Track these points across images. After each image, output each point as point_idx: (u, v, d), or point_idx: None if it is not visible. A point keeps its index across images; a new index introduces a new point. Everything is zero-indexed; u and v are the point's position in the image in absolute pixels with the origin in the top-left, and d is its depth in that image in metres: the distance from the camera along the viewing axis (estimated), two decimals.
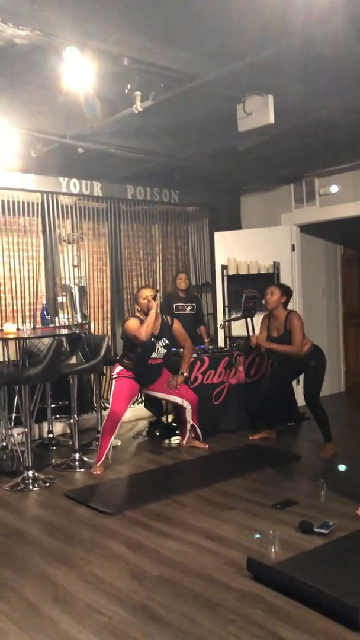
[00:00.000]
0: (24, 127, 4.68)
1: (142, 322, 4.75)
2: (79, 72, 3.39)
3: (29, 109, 4.40)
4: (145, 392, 5.22)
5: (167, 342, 4.97)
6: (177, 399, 5.18)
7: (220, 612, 2.56)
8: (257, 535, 2.96)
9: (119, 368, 4.93)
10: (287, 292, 5.15)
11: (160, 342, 4.91)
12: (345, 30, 3.15)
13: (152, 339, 4.82)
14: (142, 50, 3.38)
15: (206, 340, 6.49)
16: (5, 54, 3.38)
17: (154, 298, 4.80)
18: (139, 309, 4.90)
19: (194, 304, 6.53)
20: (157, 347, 4.89)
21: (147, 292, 4.82)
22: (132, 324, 4.78)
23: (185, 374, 5.22)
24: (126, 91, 3.82)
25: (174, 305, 6.35)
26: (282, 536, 3.25)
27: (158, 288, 7.01)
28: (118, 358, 5.17)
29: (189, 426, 5.29)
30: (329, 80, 3.93)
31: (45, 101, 4.20)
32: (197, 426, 5.32)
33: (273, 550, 3.11)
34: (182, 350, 5.25)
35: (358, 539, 3.23)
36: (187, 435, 5.33)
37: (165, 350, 4.99)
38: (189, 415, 5.24)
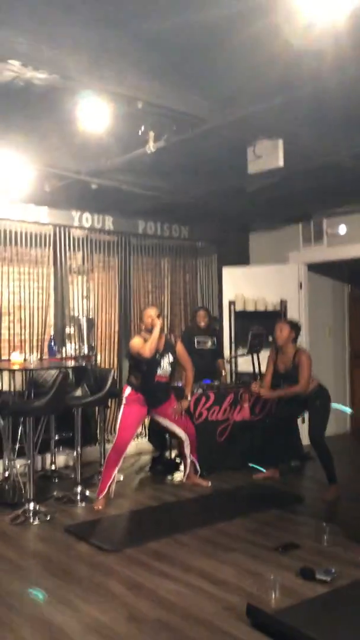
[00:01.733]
0: (39, 163, 4.79)
1: (146, 340, 4.83)
2: (94, 113, 3.50)
3: (45, 146, 4.51)
4: (153, 414, 5.20)
5: (171, 358, 5.02)
6: (179, 430, 5.17)
7: None
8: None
9: (128, 390, 4.97)
10: (295, 327, 5.21)
11: (164, 358, 4.97)
12: (357, 77, 3.23)
13: (157, 356, 4.89)
14: (156, 94, 3.47)
15: (223, 374, 6.45)
16: (24, 93, 3.48)
17: (158, 316, 4.91)
18: (144, 328, 4.97)
19: (215, 338, 6.48)
20: (162, 364, 4.95)
21: (152, 312, 4.95)
22: (136, 341, 4.88)
23: (189, 398, 5.26)
24: (139, 133, 3.92)
25: (195, 339, 6.27)
26: (282, 581, 3.20)
27: (166, 321, 7.05)
28: (127, 380, 5.20)
29: (189, 461, 5.28)
30: (339, 126, 4.02)
31: (60, 138, 4.31)
32: (196, 461, 5.31)
33: (273, 596, 3.06)
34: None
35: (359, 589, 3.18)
36: (188, 471, 5.30)
37: (171, 369, 5.03)
38: (187, 449, 5.25)
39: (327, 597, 3.07)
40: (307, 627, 2.66)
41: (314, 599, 3.05)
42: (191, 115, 3.73)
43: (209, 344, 6.34)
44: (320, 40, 2.68)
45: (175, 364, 5.11)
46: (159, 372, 4.95)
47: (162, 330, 4.97)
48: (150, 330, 4.87)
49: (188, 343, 6.16)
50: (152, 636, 2.72)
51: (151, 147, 4.11)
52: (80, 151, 4.53)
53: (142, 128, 3.89)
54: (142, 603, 3.04)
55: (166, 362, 4.99)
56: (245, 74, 3.18)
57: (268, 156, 4.20)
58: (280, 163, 4.16)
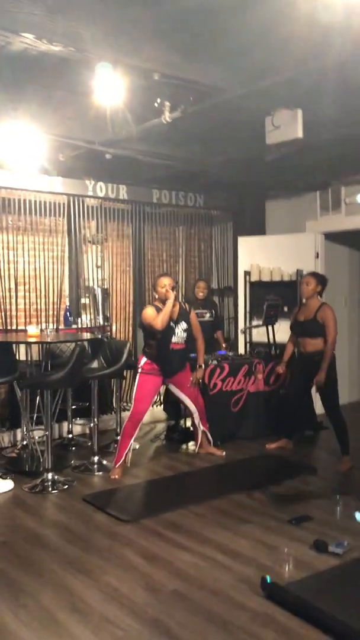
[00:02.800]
0: (54, 133, 4.73)
1: (159, 310, 4.81)
2: (110, 85, 3.43)
3: (59, 116, 4.45)
4: (168, 383, 5.24)
5: (186, 326, 5.02)
6: (189, 402, 5.24)
7: (232, 631, 2.60)
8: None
9: (143, 360, 4.98)
10: (322, 281, 5.18)
11: (179, 325, 4.96)
12: None
13: (171, 323, 4.88)
14: (173, 66, 3.40)
15: (224, 345, 6.50)
16: (38, 62, 3.42)
17: (173, 289, 4.83)
18: (157, 297, 4.93)
19: (213, 310, 6.52)
20: (176, 331, 4.94)
21: (166, 281, 4.85)
22: (149, 312, 4.83)
23: (203, 367, 5.30)
24: (156, 104, 3.85)
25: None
26: (296, 554, 3.28)
27: (181, 290, 7.05)
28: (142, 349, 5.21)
29: (200, 432, 5.35)
30: (358, 97, 3.91)
31: (75, 109, 4.24)
32: (207, 432, 5.38)
33: (287, 568, 3.14)
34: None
35: None
36: (200, 441, 5.38)
37: (186, 335, 5.02)
38: (197, 420, 5.31)
39: (340, 569, 3.15)
40: (319, 599, 2.73)
41: (326, 572, 3.12)
42: (208, 87, 3.66)
43: (207, 315, 6.36)
44: (342, 13, 2.59)
45: (190, 331, 5.10)
46: (174, 339, 4.95)
47: (175, 298, 4.93)
48: (163, 301, 4.84)
49: None
50: (169, 606, 2.81)
51: (167, 117, 4.05)
52: (94, 122, 4.46)
53: (159, 100, 3.82)
54: (159, 573, 3.13)
55: (181, 329, 4.99)
56: (265, 46, 3.10)
57: (287, 127, 4.12)
58: (300, 134, 4.08)
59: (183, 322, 5.01)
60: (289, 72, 3.39)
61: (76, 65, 3.37)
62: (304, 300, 5.26)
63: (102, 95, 3.52)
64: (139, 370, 4.98)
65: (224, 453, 5.35)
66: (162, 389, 5.84)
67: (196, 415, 5.30)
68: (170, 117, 4.02)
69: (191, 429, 5.85)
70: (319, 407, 5.77)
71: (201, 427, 5.35)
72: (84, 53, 3.17)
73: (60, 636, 2.59)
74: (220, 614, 2.74)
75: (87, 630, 2.62)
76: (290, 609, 2.74)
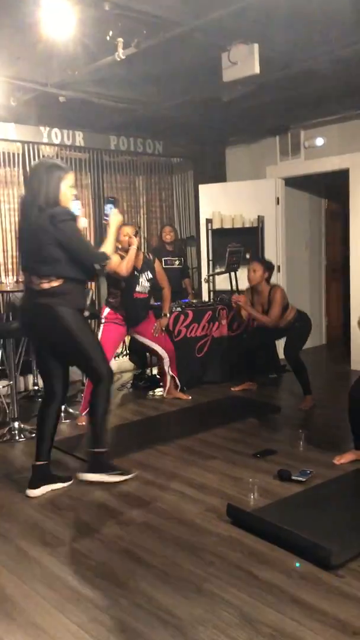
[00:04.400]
0: (3, 75, 4.53)
1: (123, 258, 4.79)
2: (59, 17, 3.29)
3: (7, 55, 4.25)
4: (132, 334, 5.27)
5: (150, 275, 5.04)
6: (159, 348, 5.26)
7: (201, 555, 2.69)
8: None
9: (106, 310, 5.00)
10: (269, 267, 5.18)
11: (143, 275, 4.99)
12: None
13: (135, 272, 4.90)
14: None
15: (190, 292, 6.55)
16: None
17: (135, 235, 4.86)
18: (120, 246, 4.90)
19: (182, 258, 6.53)
20: (140, 280, 4.96)
21: (128, 230, 4.88)
22: (114, 259, 4.79)
23: (168, 315, 5.33)
24: (108, 38, 3.70)
25: (162, 259, 6.28)
26: (261, 484, 3.39)
27: (143, 242, 7.00)
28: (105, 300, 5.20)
29: (168, 377, 5.42)
30: (316, 31, 3.85)
31: (24, 47, 4.05)
32: (175, 377, 5.45)
33: (252, 497, 3.25)
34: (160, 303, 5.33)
35: (333, 486, 3.38)
36: (168, 386, 5.45)
37: (149, 285, 5.04)
38: (166, 366, 5.37)
39: (302, 495, 3.27)
40: (282, 521, 2.84)
41: (289, 497, 3.24)
42: (161, 18, 3.53)
43: (177, 263, 6.37)
44: None
45: (154, 281, 5.11)
46: (138, 288, 4.97)
47: (139, 248, 4.94)
48: (126, 250, 4.83)
49: None
50: (139, 537, 2.88)
51: (120, 53, 3.90)
52: (45, 60, 4.28)
53: (110, 33, 3.67)
54: (128, 508, 3.20)
55: (145, 278, 5.01)
56: None
57: (243, 62, 4.03)
58: (256, 70, 4.00)
59: (147, 272, 5.02)
60: (241, 2, 3.30)
61: None
62: (253, 284, 5.21)
63: (50, 29, 3.38)
64: (103, 320, 4.98)
65: (190, 397, 5.43)
66: (127, 339, 5.85)
67: (166, 360, 5.34)
68: (124, 53, 3.89)
69: (157, 376, 5.92)
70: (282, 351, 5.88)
71: (170, 373, 5.40)
72: None
73: (32, 569, 2.64)
74: (189, 541, 2.82)
75: (59, 562, 2.68)
76: (257, 533, 2.84)
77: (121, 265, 4.73)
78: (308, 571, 2.53)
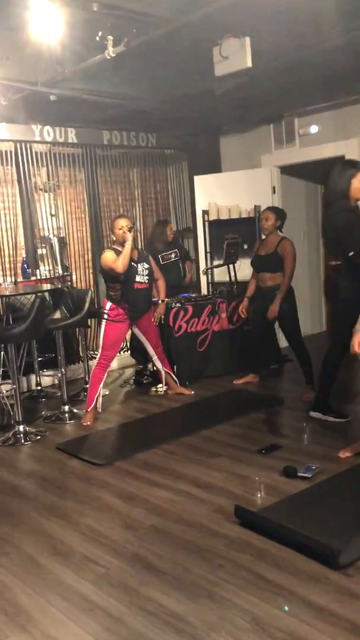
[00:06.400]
0: None
1: (118, 253, 4.71)
2: (48, 19, 3.24)
3: None
4: (134, 327, 5.21)
5: (147, 265, 4.97)
6: (149, 346, 5.27)
7: (210, 558, 2.72)
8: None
9: (108, 304, 4.93)
10: (281, 215, 5.24)
11: (141, 264, 4.91)
12: None
13: (133, 264, 4.81)
14: None
15: (189, 274, 6.48)
16: None
17: (130, 230, 4.73)
18: (115, 239, 4.84)
19: (176, 249, 6.45)
20: (139, 269, 4.88)
21: (123, 222, 4.75)
22: (109, 256, 4.73)
23: (164, 301, 5.32)
24: (97, 38, 3.66)
25: (159, 257, 6.13)
26: (267, 481, 3.41)
27: (139, 236, 6.97)
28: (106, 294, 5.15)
29: (163, 374, 5.41)
30: (305, 21, 3.79)
31: (13, 47, 4.00)
32: (170, 372, 5.45)
33: (259, 495, 3.27)
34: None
35: (339, 482, 3.39)
36: (166, 382, 5.45)
37: (148, 274, 4.96)
38: (158, 363, 5.37)
39: (309, 492, 3.29)
40: (290, 521, 2.86)
41: (296, 495, 3.26)
42: (151, 16, 3.48)
43: (173, 255, 6.31)
44: None
45: (152, 272, 5.05)
46: (138, 278, 4.88)
47: (134, 244, 4.87)
48: (122, 243, 4.74)
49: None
50: (147, 541, 2.90)
51: (110, 52, 3.86)
52: (34, 60, 4.24)
53: (100, 33, 3.63)
54: (136, 511, 3.22)
55: (142, 267, 4.92)
56: None
57: (235, 56, 3.99)
58: (249, 63, 3.97)
59: (144, 263, 4.96)
60: None
61: None
62: (263, 236, 5.26)
63: (39, 30, 3.33)
64: (105, 317, 4.94)
65: (193, 392, 5.44)
66: (128, 334, 5.84)
67: (155, 358, 5.34)
68: (114, 51, 3.84)
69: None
70: (283, 341, 5.88)
71: (163, 369, 5.40)
72: None
73: (44, 578, 2.66)
74: (197, 544, 2.84)
75: (69, 571, 2.70)
76: (265, 533, 2.86)
77: (117, 261, 4.67)
78: (317, 571, 2.55)
